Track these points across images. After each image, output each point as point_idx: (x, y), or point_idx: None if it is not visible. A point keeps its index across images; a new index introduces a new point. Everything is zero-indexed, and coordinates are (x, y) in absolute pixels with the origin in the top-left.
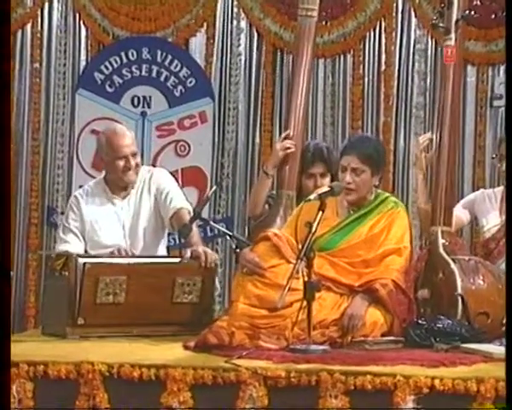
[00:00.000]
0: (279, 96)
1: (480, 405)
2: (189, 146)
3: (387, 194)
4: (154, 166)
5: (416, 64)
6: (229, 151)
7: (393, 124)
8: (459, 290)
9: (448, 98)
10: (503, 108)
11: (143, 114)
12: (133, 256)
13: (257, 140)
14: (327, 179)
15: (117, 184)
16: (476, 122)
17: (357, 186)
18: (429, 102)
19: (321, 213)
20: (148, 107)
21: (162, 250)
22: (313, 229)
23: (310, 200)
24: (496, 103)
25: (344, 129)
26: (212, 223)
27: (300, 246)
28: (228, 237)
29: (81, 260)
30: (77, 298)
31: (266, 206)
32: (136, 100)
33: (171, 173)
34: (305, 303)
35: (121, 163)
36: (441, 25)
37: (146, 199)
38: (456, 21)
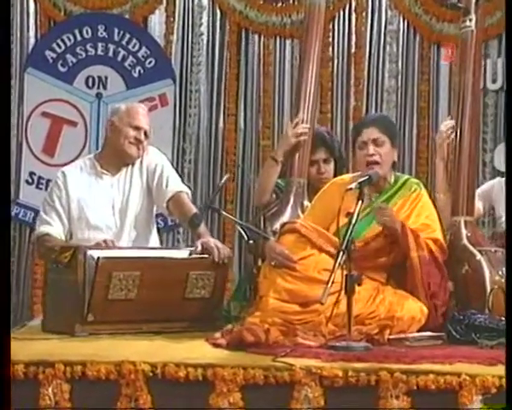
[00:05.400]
0: (244, 78)
1: None
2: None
3: (407, 175)
4: None
5: (388, 46)
6: (191, 136)
7: (364, 108)
8: (487, 283)
9: (469, 83)
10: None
11: (99, 95)
12: (140, 248)
13: (220, 124)
14: (330, 165)
15: (113, 159)
16: (449, 108)
17: (381, 159)
18: (401, 86)
19: (360, 202)
20: (104, 88)
21: (154, 234)
22: (353, 220)
23: (351, 189)
24: None
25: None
26: (223, 212)
27: (341, 237)
28: (239, 228)
29: (94, 254)
30: (86, 293)
31: (273, 195)
32: (90, 81)
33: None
34: (341, 297)
35: (133, 132)
36: (460, 5)
37: (136, 179)
38: (477, 0)
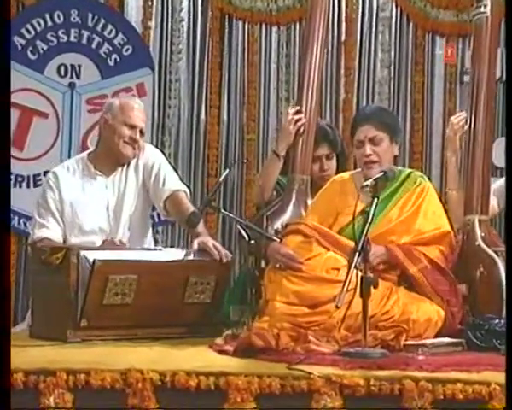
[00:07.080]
0: (227, 67)
1: None
2: None
3: (409, 169)
4: (84, 144)
5: (380, 34)
6: (170, 129)
7: (355, 100)
8: (504, 286)
9: (484, 74)
10: None
11: (72, 85)
12: (135, 249)
13: (202, 117)
14: (333, 161)
15: (107, 159)
16: (445, 100)
17: (379, 157)
18: (394, 77)
19: (376, 200)
20: (78, 77)
21: (149, 236)
22: (369, 219)
23: (367, 185)
24: (466, 79)
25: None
26: (223, 211)
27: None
28: (240, 227)
29: (90, 256)
30: (79, 297)
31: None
32: (63, 69)
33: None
34: (353, 297)
35: (128, 132)
36: None
37: (132, 178)
38: None
